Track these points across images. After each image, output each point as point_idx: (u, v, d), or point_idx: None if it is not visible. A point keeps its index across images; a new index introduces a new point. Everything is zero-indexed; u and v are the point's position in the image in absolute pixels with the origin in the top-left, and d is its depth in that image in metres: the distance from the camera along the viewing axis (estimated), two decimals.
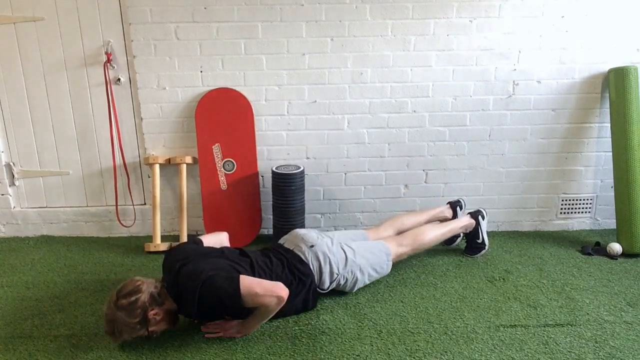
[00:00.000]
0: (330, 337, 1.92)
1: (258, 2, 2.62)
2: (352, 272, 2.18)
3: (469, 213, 2.66)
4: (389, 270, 2.32)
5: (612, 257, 2.63)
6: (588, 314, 2.07)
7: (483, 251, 2.66)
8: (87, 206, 2.98)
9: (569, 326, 1.98)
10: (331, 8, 2.64)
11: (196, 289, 1.78)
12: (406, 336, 1.92)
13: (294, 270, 2.08)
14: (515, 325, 1.99)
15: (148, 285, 1.82)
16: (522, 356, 1.79)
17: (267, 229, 2.99)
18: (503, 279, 2.40)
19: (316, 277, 2.12)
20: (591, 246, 2.74)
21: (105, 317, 1.79)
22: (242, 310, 1.87)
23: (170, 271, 1.92)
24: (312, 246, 2.16)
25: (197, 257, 1.96)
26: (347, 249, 2.22)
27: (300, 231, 2.28)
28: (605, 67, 2.77)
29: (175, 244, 2.74)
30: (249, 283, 1.81)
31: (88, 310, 2.12)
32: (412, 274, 2.46)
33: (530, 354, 1.81)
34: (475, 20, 2.68)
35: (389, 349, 1.84)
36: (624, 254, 2.65)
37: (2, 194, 2.92)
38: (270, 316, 1.89)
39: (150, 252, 2.72)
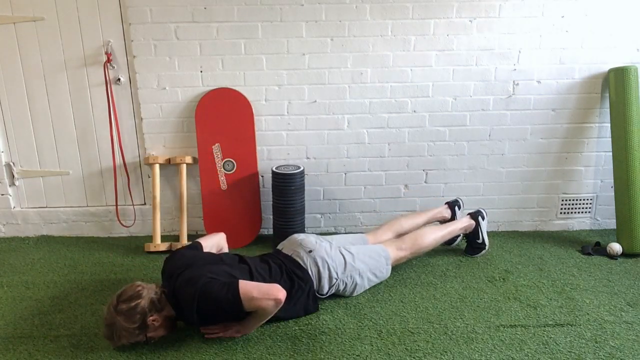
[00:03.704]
0: (330, 337, 1.92)
1: (258, 2, 2.62)
2: (351, 276, 2.18)
3: (468, 214, 2.66)
4: (389, 274, 2.32)
5: (612, 257, 2.63)
6: (588, 314, 2.08)
7: (483, 251, 2.66)
8: (87, 206, 2.98)
9: (569, 326, 1.98)
10: (331, 8, 2.64)
11: (195, 295, 1.78)
12: (406, 336, 1.92)
13: (293, 276, 2.07)
14: (515, 325, 1.99)
15: (148, 291, 1.83)
16: (522, 356, 1.79)
17: (267, 229, 2.99)
18: (503, 279, 2.40)
19: (315, 282, 2.12)
20: (591, 246, 2.74)
21: (104, 322, 1.80)
22: (241, 313, 1.87)
23: (170, 278, 1.92)
24: (310, 251, 2.16)
25: (196, 263, 1.96)
26: (346, 253, 2.21)
27: (298, 236, 2.28)
28: (605, 67, 2.77)
29: (175, 244, 2.75)
30: (246, 288, 1.80)
31: (88, 310, 2.12)
32: (412, 274, 2.46)
33: (530, 354, 1.81)
34: (475, 20, 2.68)
35: (389, 349, 1.84)
36: (624, 254, 2.65)
37: (2, 194, 2.91)
38: (269, 317, 1.89)
39: (150, 252, 2.72)
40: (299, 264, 2.13)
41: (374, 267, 2.25)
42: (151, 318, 1.80)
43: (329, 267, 2.13)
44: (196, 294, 1.78)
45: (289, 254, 2.19)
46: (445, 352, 1.82)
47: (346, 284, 2.18)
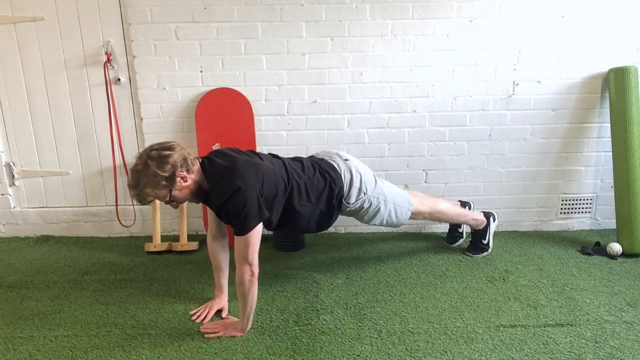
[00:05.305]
0: (330, 337, 1.92)
1: (258, 2, 2.62)
2: (377, 199, 2.20)
3: (482, 211, 2.68)
4: (406, 221, 2.35)
5: (612, 257, 2.63)
6: (588, 314, 2.08)
7: (485, 253, 2.66)
8: (87, 206, 2.97)
9: (569, 326, 1.98)
10: (331, 8, 2.64)
11: (231, 188, 1.76)
12: (406, 336, 1.92)
13: (326, 175, 2.08)
14: (515, 325, 1.99)
15: (182, 150, 1.82)
16: (522, 356, 1.79)
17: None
18: (503, 279, 2.40)
19: (345, 188, 2.12)
20: (591, 246, 2.74)
21: (133, 168, 1.77)
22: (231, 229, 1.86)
23: (211, 155, 1.92)
24: (346, 160, 2.20)
25: (249, 155, 1.99)
26: (378, 178, 2.25)
27: (333, 149, 2.32)
28: (605, 67, 2.77)
29: (175, 244, 2.75)
30: (255, 239, 1.81)
31: (88, 310, 2.12)
32: (412, 274, 2.46)
33: (530, 354, 1.81)
34: (475, 20, 2.68)
35: (389, 349, 1.84)
36: (624, 254, 2.65)
37: (2, 194, 2.92)
38: (247, 298, 1.85)
39: (150, 252, 2.72)
40: (334, 167, 2.14)
41: (397, 202, 2.27)
42: (181, 174, 1.77)
43: (362, 179, 2.15)
44: (232, 188, 1.76)
45: (324, 158, 2.22)
46: (445, 352, 1.82)
47: (371, 203, 2.19)
